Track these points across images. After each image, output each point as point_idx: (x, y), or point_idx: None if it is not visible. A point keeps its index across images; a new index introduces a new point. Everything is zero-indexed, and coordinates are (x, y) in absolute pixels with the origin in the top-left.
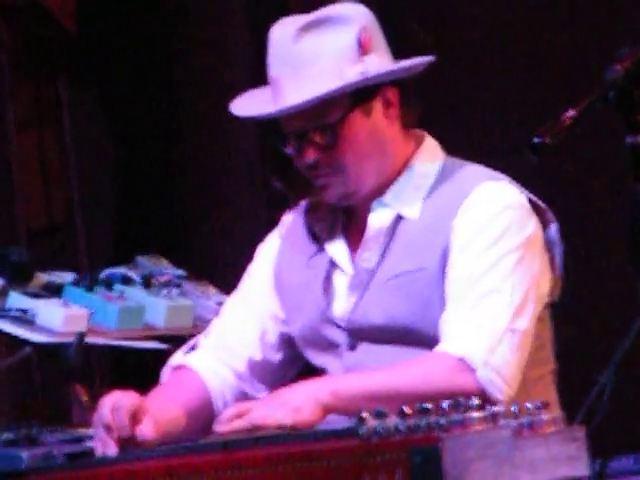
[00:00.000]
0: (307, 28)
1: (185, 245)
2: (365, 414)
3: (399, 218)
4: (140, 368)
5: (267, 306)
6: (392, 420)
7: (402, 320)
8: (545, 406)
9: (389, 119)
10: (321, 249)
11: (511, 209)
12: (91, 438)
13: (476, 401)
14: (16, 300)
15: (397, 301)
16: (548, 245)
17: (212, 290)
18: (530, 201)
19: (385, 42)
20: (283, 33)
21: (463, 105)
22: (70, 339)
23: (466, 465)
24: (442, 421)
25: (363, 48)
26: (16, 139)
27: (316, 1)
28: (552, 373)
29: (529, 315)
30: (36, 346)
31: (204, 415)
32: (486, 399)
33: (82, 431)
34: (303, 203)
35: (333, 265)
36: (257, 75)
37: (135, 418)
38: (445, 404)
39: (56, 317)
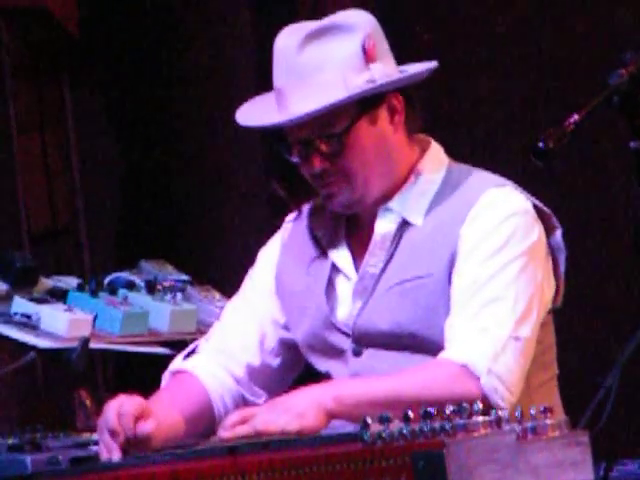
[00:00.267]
0: (311, 37)
1: (189, 250)
2: (369, 419)
3: (405, 224)
4: (144, 373)
5: (267, 311)
6: (396, 425)
7: (407, 326)
8: (549, 411)
9: (394, 126)
10: (323, 254)
11: (516, 216)
12: (96, 443)
13: (480, 406)
14: (20, 305)
15: (402, 307)
16: (552, 251)
17: (216, 295)
18: (535, 207)
19: (389, 47)
20: (287, 42)
21: (467, 110)
22: (74, 344)
23: (470, 470)
24: (446, 426)
25: (368, 56)
26: (19, 142)
27: (323, 6)
28: (555, 378)
29: (532, 322)
30: (40, 351)
31: (205, 419)
32: (488, 406)
33: (86, 436)
34: (305, 207)
35: (335, 270)
36: (260, 79)
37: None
38: (449, 409)
39: (60, 322)
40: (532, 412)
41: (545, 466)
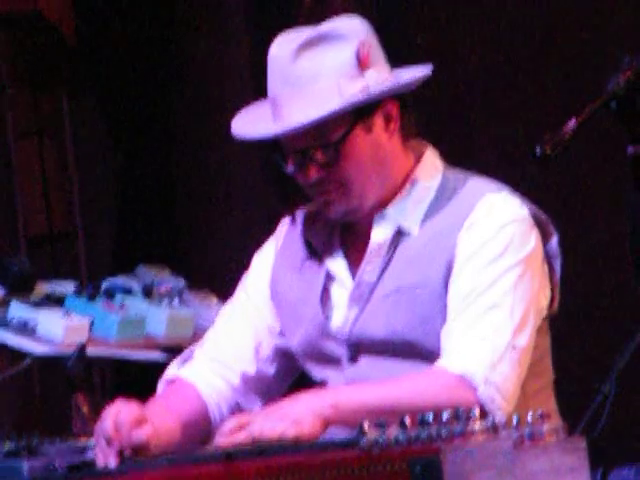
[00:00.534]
0: (305, 46)
1: (186, 255)
2: (366, 425)
3: (401, 232)
4: (141, 378)
5: (263, 318)
6: (393, 431)
7: (403, 334)
8: (546, 417)
9: (389, 133)
10: (318, 261)
11: (514, 223)
12: (92, 449)
13: (477, 412)
14: (17, 310)
15: (398, 315)
16: (548, 257)
17: (213, 300)
18: (531, 213)
19: (383, 54)
20: (281, 51)
21: (463, 115)
22: (71, 350)
23: (467, 476)
24: (443, 432)
25: (362, 63)
26: (16, 148)
27: (320, 11)
28: (551, 384)
29: (529, 331)
30: (37, 357)
31: (201, 427)
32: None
33: (83, 441)
34: (299, 212)
35: (330, 278)
36: (257, 85)
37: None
38: (446, 415)
39: (57, 328)
40: (529, 418)
41: (542, 472)
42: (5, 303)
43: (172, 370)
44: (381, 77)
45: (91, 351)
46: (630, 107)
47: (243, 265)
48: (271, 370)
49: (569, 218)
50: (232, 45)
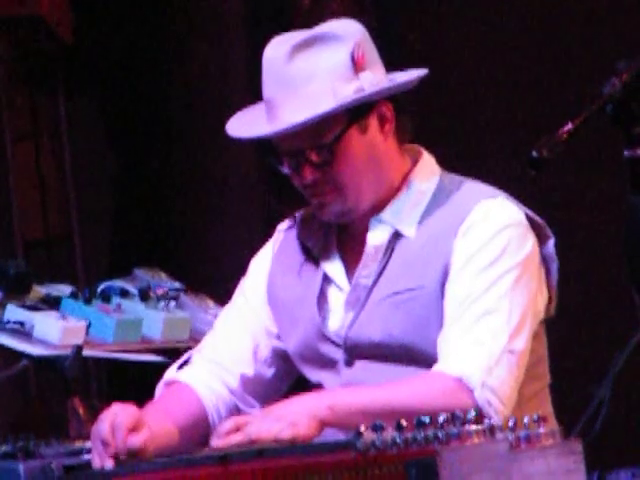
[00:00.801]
0: (300, 47)
1: (182, 257)
2: (362, 427)
3: (397, 235)
4: (137, 381)
5: (260, 321)
6: (389, 433)
7: (399, 337)
8: (542, 420)
9: (384, 134)
10: (314, 264)
11: (510, 227)
12: (88, 451)
13: (473, 414)
14: (13, 312)
15: (394, 318)
16: (545, 261)
17: (210, 303)
18: (527, 217)
19: (379, 56)
20: (276, 53)
21: (459, 118)
22: (67, 352)
23: (463, 478)
24: (439, 434)
25: (357, 65)
26: (13, 151)
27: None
28: (547, 388)
29: (526, 335)
30: (33, 359)
31: (200, 430)
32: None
33: (79, 444)
34: (296, 215)
35: (327, 280)
36: (254, 90)
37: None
38: (442, 417)
39: (53, 330)
40: (525, 421)
41: (538, 475)
42: (1, 306)
43: (170, 373)
44: (376, 79)
45: (87, 353)
46: (626, 110)
47: (240, 268)
48: (269, 372)
49: (565, 221)
50: (231, 47)
